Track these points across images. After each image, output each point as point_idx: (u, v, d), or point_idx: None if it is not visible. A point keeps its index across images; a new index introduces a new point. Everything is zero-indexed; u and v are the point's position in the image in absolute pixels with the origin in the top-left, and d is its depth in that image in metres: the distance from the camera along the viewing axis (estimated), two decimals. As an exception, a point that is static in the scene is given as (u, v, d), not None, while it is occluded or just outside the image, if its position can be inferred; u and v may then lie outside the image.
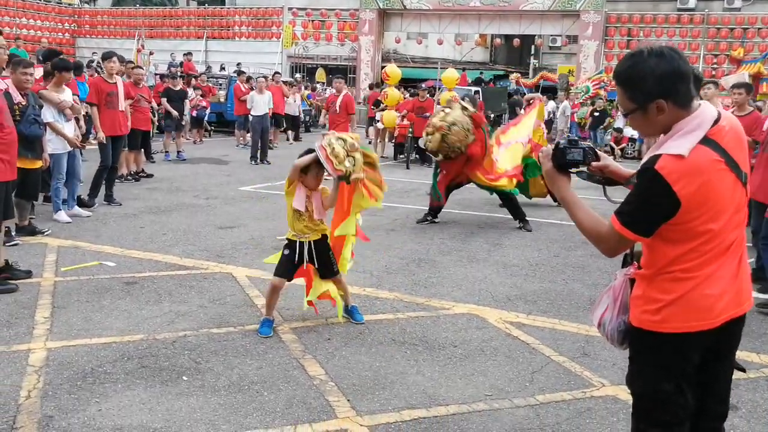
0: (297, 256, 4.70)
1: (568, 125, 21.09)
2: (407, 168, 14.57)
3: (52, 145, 7.57)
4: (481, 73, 33.64)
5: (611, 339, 2.45)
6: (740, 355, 3.08)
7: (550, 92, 27.19)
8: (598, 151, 2.45)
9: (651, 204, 2.14)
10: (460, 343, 4.66)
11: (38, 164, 6.82)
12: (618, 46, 26.96)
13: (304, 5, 31.61)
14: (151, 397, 3.67)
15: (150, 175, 11.46)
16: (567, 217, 8.10)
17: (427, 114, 14.96)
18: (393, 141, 16.48)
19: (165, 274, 5.95)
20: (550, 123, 23.19)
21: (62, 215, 7.75)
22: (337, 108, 12.55)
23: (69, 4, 34.33)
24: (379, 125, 16.88)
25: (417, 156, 15.44)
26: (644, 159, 2.21)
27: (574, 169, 2.39)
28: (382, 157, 16.35)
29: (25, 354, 4.15)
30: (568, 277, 6.43)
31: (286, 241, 4.80)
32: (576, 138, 2.44)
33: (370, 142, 17.14)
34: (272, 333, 4.63)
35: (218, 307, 5.17)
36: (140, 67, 12.64)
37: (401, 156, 15.75)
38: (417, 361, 4.32)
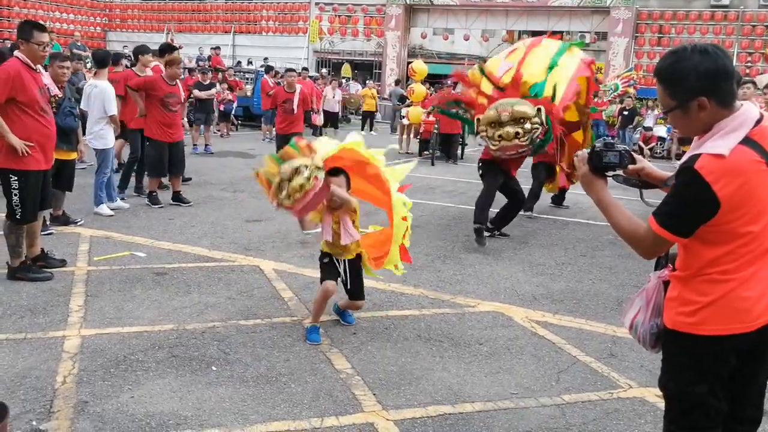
0: (338, 267, 4.62)
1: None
2: (432, 164, 14.56)
3: (103, 141, 7.75)
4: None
5: (643, 342, 2.44)
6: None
7: None
8: (634, 154, 2.44)
9: (690, 204, 2.12)
10: (486, 340, 4.67)
11: (73, 155, 6.96)
12: (649, 44, 26.59)
13: (331, 0, 31.68)
14: (181, 386, 3.74)
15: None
16: (594, 216, 8.08)
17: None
18: (418, 137, 16.47)
19: (194, 265, 6.04)
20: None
21: (104, 208, 7.81)
22: (295, 107, 10.72)
23: (101, -2, 34.77)
24: (405, 121, 16.89)
25: (442, 152, 15.42)
26: (683, 158, 2.19)
27: (610, 173, 2.38)
28: (407, 153, 16.39)
29: (60, 340, 4.25)
30: (595, 278, 6.41)
31: (320, 253, 4.73)
32: (612, 141, 2.42)
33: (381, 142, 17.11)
34: (321, 340, 4.49)
35: (246, 299, 5.24)
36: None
37: (426, 152, 15.75)
38: (443, 358, 4.35)
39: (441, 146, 15.31)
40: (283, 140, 10.41)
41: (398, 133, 17.83)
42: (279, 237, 7.26)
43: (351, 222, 4.51)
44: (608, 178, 2.41)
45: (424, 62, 18.31)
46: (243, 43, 31.63)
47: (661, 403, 3.87)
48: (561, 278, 6.33)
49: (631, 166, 2.43)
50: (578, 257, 7.17)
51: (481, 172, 7.98)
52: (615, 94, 20.92)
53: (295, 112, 10.70)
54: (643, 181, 2.50)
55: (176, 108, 8.52)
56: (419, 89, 16.14)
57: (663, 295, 2.36)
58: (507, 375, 4.15)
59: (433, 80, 22.73)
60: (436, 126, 14.95)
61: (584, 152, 2.40)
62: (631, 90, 20.86)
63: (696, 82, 2.13)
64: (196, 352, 4.20)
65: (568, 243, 7.80)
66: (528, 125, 6.88)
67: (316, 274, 5.80)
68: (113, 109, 7.75)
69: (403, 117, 17.11)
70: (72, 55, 11.95)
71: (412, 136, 17.08)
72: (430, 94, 16.72)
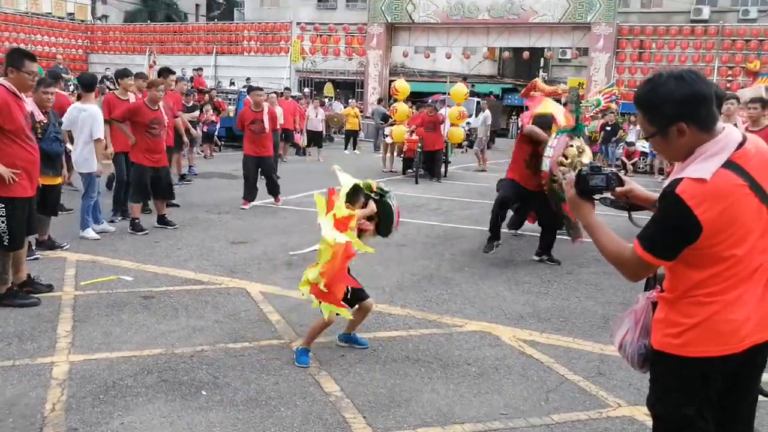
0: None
1: (488, 134, 20.37)
2: (416, 183, 14.65)
3: (88, 165, 7.73)
4: (490, 94, 33.73)
5: (632, 362, 2.47)
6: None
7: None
8: (621, 176, 2.47)
9: (672, 228, 2.14)
10: (474, 360, 4.71)
11: (59, 180, 6.95)
12: (630, 59, 26.94)
13: (313, 20, 31.95)
14: (171, 411, 3.74)
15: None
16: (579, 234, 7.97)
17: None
18: (402, 155, 16.57)
19: (181, 288, 6.04)
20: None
21: (90, 232, 7.77)
22: (266, 126, 10.31)
23: (82, 21, 34.82)
24: (388, 140, 17.00)
25: (425, 171, 15.52)
26: (666, 182, 2.23)
27: (597, 196, 2.42)
28: (390, 171, 16.48)
29: (48, 367, 4.23)
30: (581, 295, 6.48)
31: None
32: (599, 164, 2.46)
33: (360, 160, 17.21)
34: (310, 363, 4.48)
35: (233, 322, 5.24)
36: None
37: (410, 171, 15.84)
38: (431, 379, 4.37)
39: (425, 164, 15.41)
40: (254, 163, 10.30)
41: (382, 151, 17.93)
42: (265, 259, 7.27)
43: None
44: (596, 201, 2.44)
45: (406, 80, 18.48)
46: (225, 64, 31.75)
47: (651, 422, 3.92)
48: (547, 296, 6.39)
49: (618, 189, 2.46)
50: (564, 275, 7.24)
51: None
52: (597, 109, 21.15)
53: (266, 131, 10.37)
54: (631, 204, 2.53)
55: (160, 133, 8.51)
56: (402, 108, 16.27)
57: (651, 316, 2.39)
58: (496, 395, 4.19)
59: (415, 98, 22.92)
60: (419, 144, 15.06)
61: (571, 175, 2.43)
62: (613, 105, 21.07)
63: (673, 108, 2.17)
64: (185, 376, 4.20)
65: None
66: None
67: (301, 295, 5.86)
68: (100, 132, 7.74)
69: (387, 135, 17.22)
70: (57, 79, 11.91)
71: (395, 154, 17.19)
72: (413, 113, 16.88)
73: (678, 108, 2.17)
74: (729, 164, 2.13)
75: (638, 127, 19.34)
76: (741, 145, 2.18)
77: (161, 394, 3.94)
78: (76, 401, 3.79)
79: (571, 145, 7.40)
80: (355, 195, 4.53)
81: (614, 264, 2.33)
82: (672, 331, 2.26)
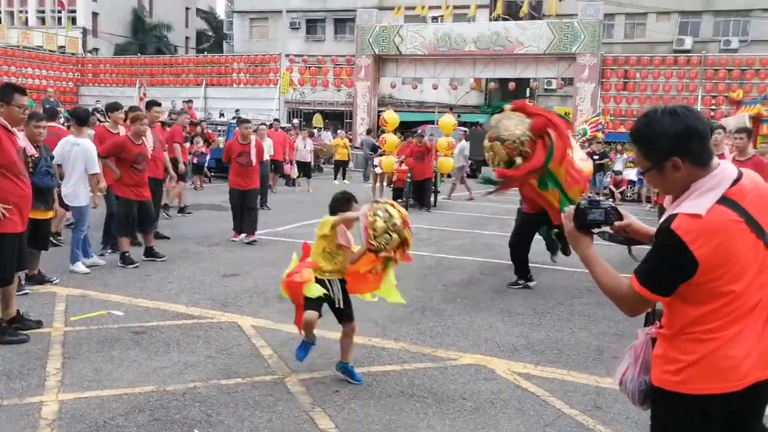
0: (329, 292, 4.72)
1: (467, 164, 20.38)
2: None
3: (79, 199, 7.71)
4: (477, 124, 34.05)
5: (633, 398, 2.45)
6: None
7: None
8: (621, 211, 2.48)
9: (668, 264, 2.15)
10: (470, 395, 4.67)
11: (50, 215, 6.89)
12: (615, 88, 27.31)
13: (301, 52, 32.27)
14: (164, 452, 3.67)
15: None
16: (568, 263, 8.10)
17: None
18: (391, 185, 16.62)
19: (172, 323, 5.98)
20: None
21: (80, 266, 7.71)
22: (253, 159, 10.29)
23: (72, 54, 35.00)
24: (378, 170, 17.05)
25: (415, 201, 15.56)
26: (662, 218, 2.24)
27: (596, 230, 2.42)
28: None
29: (37, 406, 4.15)
30: (574, 326, 6.46)
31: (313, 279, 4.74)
32: (597, 198, 2.45)
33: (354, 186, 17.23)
34: (306, 357, 4.84)
35: (226, 357, 5.18)
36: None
37: (399, 200, 15.85)
38: (427, 414, 4.33)
39: (414, 194, 15.45)
40: (239, 196, 10.20)
41: (371, 181, 17.97)
42: (256, 292, 7.22)
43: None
44: (594, 234, 2.44)
45: (394, 111, 18.60)
46: (214, 95, 31.90)
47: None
48: (541, 327, 6.38)
49: (617, 223, 2.47)
50: (556, 305, 7.23)
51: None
52: (583, 138, 21.37)
53: (253, 165, 10.29)
54: (629, 238, 2.53)
55: (143, 167, 8.49)
56: (391, 139, 16.35)
57: (651, 352, 2.37)
58: (492, 431, 4.15)
59: (403, 129, 23.08)
60: (409, 174, 15.10)
61: (570, 209, 2.43)
62: (600, 135, 21.30)
63: (668, 144, 2.19)
64: (177, 414, 4.13)
65: (545, 290, 7.87)
66: None
67: (295, 329, 5.77)
68: (94, 167, 7.72)
69: (376, 166, 17.28)
70: (47, 111, 11.94)
71: (385, 184, 17.23)
72: (402, 143, 16.95)
73: (672, 143, 2.19)
74: (724, 200, 2.14)
75: (625, 155, 19.59)
76: (737, 181, 2.19)
77: (154, 433, 3.88)
78: (66, 442, 3.72)
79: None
80: (345, 203, 4.74)
81: (612, 298, 2.33)
82: (671, 367, 2.25)
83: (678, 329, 2.24)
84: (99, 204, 8.08)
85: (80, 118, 8.11)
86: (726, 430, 2.27)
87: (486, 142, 7.31)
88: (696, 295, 2.18)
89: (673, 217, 2.16)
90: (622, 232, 2.52)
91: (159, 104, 11.03)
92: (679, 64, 26.62)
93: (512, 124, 7.04)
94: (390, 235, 4.51)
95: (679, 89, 26.29)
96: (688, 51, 27.38)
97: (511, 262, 9.08)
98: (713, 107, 25.14)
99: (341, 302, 4.77)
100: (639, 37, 37.42)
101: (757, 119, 17.20)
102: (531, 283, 7.98)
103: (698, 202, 2.15)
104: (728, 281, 2.14)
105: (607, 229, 2.47)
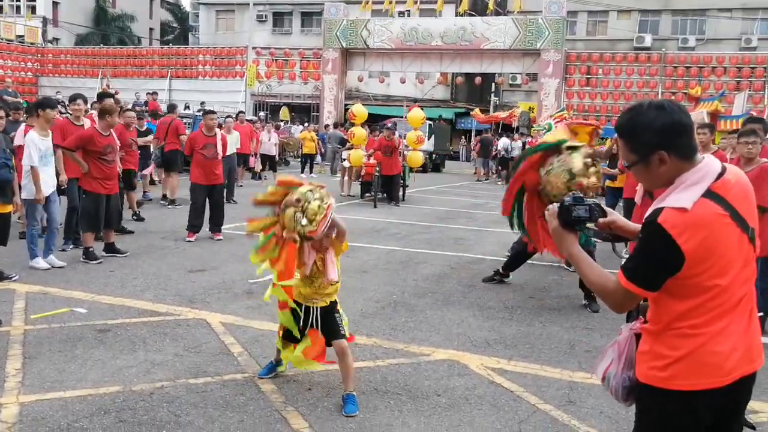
0: (302, 318, 4.40)
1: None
2: (374, 207, 14.60)
3: (26, 191, 7.40)
4: (439, 117, 34.11)
5: (616, 395, 2.42)
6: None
7: (506, 132, 27.76)
8: (605, 207, 2.45)
9: (655, 258, 2.13)
10: (444, 391, 4.62)
11: (8, 209, 6.66)
12: (578, 84, 27.72)
13: (268, 44, 31.93)
14: (131, 455, 3.54)
15: (141, 219, 11.27)
16: (539, 258, 8.02)
17: (396, 145, 15.04)
18: (360, 180, 16.53)
19: (138, 320, 5.81)
20: (503, 160, 23.59)
21: (40, 262, 7.44)
22: (219, 152, 10.10)
23: (32, 43, 34.06)
24: (346, 164, 16.95)
25: (384, 195, 15.50)
26: (647, 212, 2.21)
27: (581, 226, 2.39)
28: (348, 195, 16.41)
29: (-4, 410, 3.98)
30: (545, 320, 6.47)
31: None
32: (581, 195, 2.43)
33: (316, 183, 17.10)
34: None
35: (194, 355, 5.05)
36: (131, 110, 12.47)
37: (368, 194, 15.80)
38: (401, 412, 4.27)
39: (383, 188, 15.40)
40: (203, 192, 9.81)
41: (339, 175, 17.85)
42: (224, 287, 7.08)
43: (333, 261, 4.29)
44: (578, 231, 2.41)
45: (362, 104, 18.50)
46: (180, 88, 31.40)
47: (624, 452, 3.91)
48: (512, 322, 6.36)
49: (601, 220, 2.45)
50: (527, 299, 7.23)
51: None
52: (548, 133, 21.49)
53: (218, 157, 10.03)
54: (614, 234, 2.52)
55: (113, 159, 8.27)
56: (360, 132, 16.26)
57: (635, 348, 2.35)
58: (468, 428, 4.10)
59: (370, 122, 23.01)
60: (377, 168, 15.04)
61: (554, 207, 2.40)
62: (563, 130, 21.46)
63: (653, 137, 2.18)
64: (145, 415, 4.00)
65: (515, 285, 7.87)
66: None
67: (265, 326, 5.71)
68: (35, 159, 7.42)
69: (344, 159, 17.17)
70: (10, 104, 11.61)
71: (353, 178, 17.14)
72: (370, 137, 16.89)
73: (659, 137, 2.18)
74: (709, 194, 2.14)
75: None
76: (720, 175, 2.19)
77: (120, 435, 3.74)
78: (28, 446, 3.57)
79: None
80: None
81: (599, 294, 2.31)
82: (657, 363, 2.22)
83: (664, 325, 2.22)
84: (42, 201, 7.55)
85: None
86: (713, 426, 2.26)
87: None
88: (682, 289, 2.16)
89: (659, 211, 2.14)
90: (606, 228, 2.50)
91: (112, 95, 10.82)
92: (640, 61, 27.19)
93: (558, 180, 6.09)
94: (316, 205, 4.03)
95: (640, 86, 26.85)
96: (648, 48, 27.98)
97: (479, 257, 9.07)
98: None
99: (320, 327, 4.40)
100: (601, 35, 37.94)
101: (714, 115, 17.54)
102: (507, 279, 7.92)
103: (684, 195, 2.14)
104: (714, 275, 2.13)
105: (591, 225, 2.45)
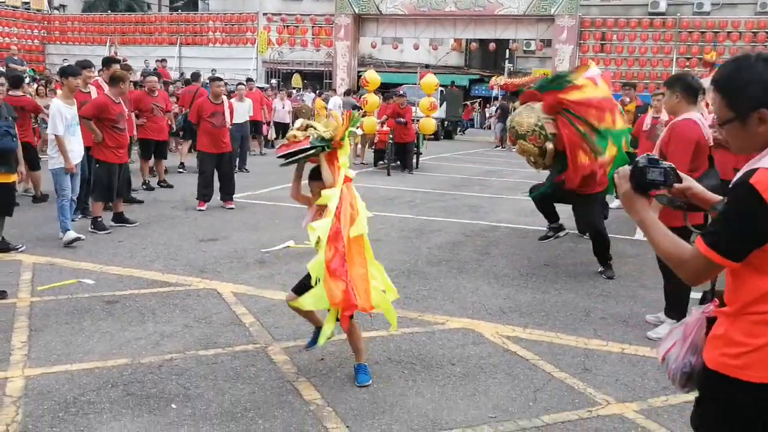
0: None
1: None
2: (388, 174, 14.44)
3: (52, 160, 7.26)
4: (452, 83, 33.66)
5: (673, 379, 2.21)
6: None
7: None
8: (679, 173, 2.21)
9: (744, 223, 1.90)
10: (458, 360, 4.51)
11: (12, 178, 6.54)
12: (592, 50, 27.23)
13: (279, 10, 31.43)
14: (139, 429, 3.46)
15: (170, 186, 11.45)
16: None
17: (403, 120, 14.89)
18: (373, 147, 16.33)
19: (147, 291, 5.73)
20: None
21: (71, 234, 7.16)
22: (227, 120, 10.02)
23: (38, 10, 33.64)
24: (359, 131, 16.71)
25: (397, 162, 15.31)
26: (739, 174, 1.98)
27: (654, 192, 2.15)
28: (362, 163, 16.23)
29: (1, 383, 3.91)
30: (560, 287, 6.32)
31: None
32: (655, 156, 2.19)
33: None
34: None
35: (204, 326, 4.96)
36: (154, 75, 12.41)
37: (381, 162, 15.62)
38: (415, 382, 4.17)
39: (396, 156, 15.20)
40: (212, 161, 9.69)
41: (352, 143, 17.65)
42: (236, 257, 6.98)
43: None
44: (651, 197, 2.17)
45: (375, 71, 18.21)
46: (189, 55, 31.05)
47: (642, 419, 3.79)
48: (527, 289, 6.23)
49: (676, 185, 2.20)
50: (541, 266, 7.09)
51: None
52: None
53: (226, 125, 9.89)
54: (688, 203, 2.28)
55: (124, 127, 8.13)
56: (372, 99, 16.02)
57: (704, 333, 2.12)
58: (483, 397, 4.00)
59: (383, 89, 22.72)
60: (390, 136, 14.82)
61: (626, 168, 2.17)
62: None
63: (758, 92, 1.95)
64: (153, 388, 3.92)
65: (529, 252, 7.72)
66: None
67: (277, 295, 5.61)
68: (60, 129, 7.29)
69: (357, 127, 16.94)
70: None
71: (366, 146, 16.94)
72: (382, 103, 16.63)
73: (764, 92, 1.94)
74: None
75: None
76: None
77: (127, 409, 3.66)
78: (32, 421, 3.49)
79: None
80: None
81: (672, 264, 2.06)
82: (731, 351, 1.99)
83: (743, 306, 1.98)
84: (74, 169, 7.43)
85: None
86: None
87: (515, 148, 6.98)
88: None
89: (752, 171, 1.91)
90: (681, 195, 2.24)
91: (117, 61, 10.68)
92: (655, 27, 26.66)
93: (524, 117, 6.62)
94: (313, 127, 4.08)
95: (655, 51, 26.35)
96: (662, 13, 27.23)
97: (494, 224, 8.93)
98: (687, 69, 25.10)
99: None
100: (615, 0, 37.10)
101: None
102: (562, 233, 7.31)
103: None
104: None
105: (665, 191, 2.21)
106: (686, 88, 5.00)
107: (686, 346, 2.16)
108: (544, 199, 7.07)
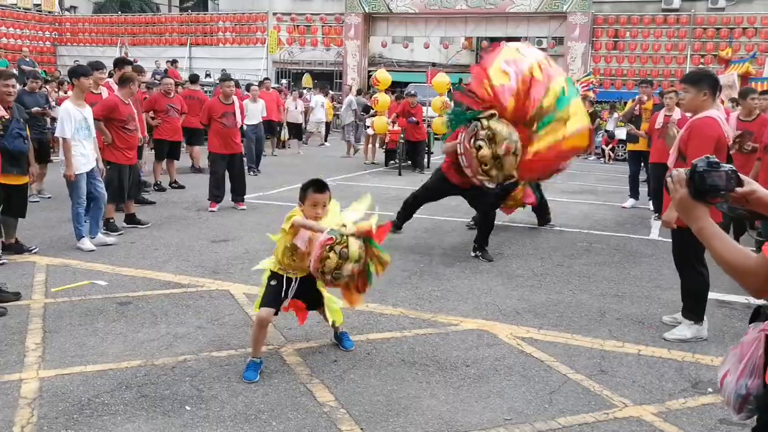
0: (283, 290, 4.28)
1: (355, 120, 19.19)
2: (399, 174, 14.40)
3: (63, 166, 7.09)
4: (460, 81, 33.60)
5: (729, 404, 2.04)
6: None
7: None
8: (741, 176, 2.00)
9: None
10: (473, 362, 4.48)
11: (25, 180, 6.55)
12: (605, 48, 27.00)
13: (289, 10, 31.43)
14: (153, 430, 3.45)
15: (181, 186, 11.51)
16: (565, 224, 7.92)
17: (415, 119, 14.85)
18: (384, 147, 16.29)
19: (159, 292, 5.73)
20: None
21: (86, 242, 7.07)
22: (238, 120, 9.95)
23: (49, 12, 33.83)
24: (370, 131, 16.70)
25: (409, 162, 15.27)
26: None
27: (713, 197, 1.98)
28: (372, 163, 16.20)
29: (16, 384, 3.91)
30: (575, 288, 6.27)
31: (269, 273, 4.36)
32: (716, 159, 1.98)
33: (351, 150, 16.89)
34: (258, 377, 4.08)
35: (217, 327, 4.95)
36: (169, 78, 12.51)
37: (393, 162, 15.58)
38: (429, 384, 4.14)
39: (407, 155, 15.16)
40: (223, 163, 9.63)
41: (363, 143, 17.64)
42: (248, 258, 6.97)
43: None
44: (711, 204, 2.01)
45: (385, 70, 18.17)
46: (200, 55, 31.14)
47: (660, 422, 3.74)
48: (541, 290, 6.18)
49: (738, 190, 2.00)
50: (555, 267, 7.03)
51: None
52: (575, 98, 21.01)
53: (237, 126, 9.83)
54: (751, 211, 2.07)
55: (134, 128, 8.14)
56: (383, 99, 15.98)
57: (763, 352, 1.94)
58: (498, 399, 3.96)
59: (394, 89, 22.67)
60: (401, 135, 14.78)
61: (682, 172, 2.00)
62: (591, 94, 21.05)
63: None
64: (167, 390, 3.91)
65: (543, 252, 7.67)
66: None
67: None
68: (66, 132, 7.26)
69: (368, 127, 16.93)
70: (28, 74, 11.62)
71: (377, 146, 16.91)
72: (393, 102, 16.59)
73: None
74: None
75: (615, 115, 19.38)
76: None
77: (141, 411, 3.65)
78: (47, 423, 3.48)
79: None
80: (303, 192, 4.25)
81: (736, 274, 1.91)
82: None
83: None
84: (73, 177, 7.04)
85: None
86: None
87: (511, 158, 6.59)
88: None
89: None
90: (742, 201, 2.03)
91: (130, 62, 10.77)
92: (669, 23, 26.33)
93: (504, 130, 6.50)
94: (341, 272, 4.07)
95: (669, 48, 26.09)
96: (676, 10, 26.91)
97: (507, 223, 8.90)
98: (702, 66, 24.85)
99: (301, 296, 4.36)
100: (629, -4, 36.84)
101: (745, 77, 16.96)
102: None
103: None
104: None
105: (725, 197, 2.01)
106: (714, 85, 4.88)
107: (742, 366, 2.00)
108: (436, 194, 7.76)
